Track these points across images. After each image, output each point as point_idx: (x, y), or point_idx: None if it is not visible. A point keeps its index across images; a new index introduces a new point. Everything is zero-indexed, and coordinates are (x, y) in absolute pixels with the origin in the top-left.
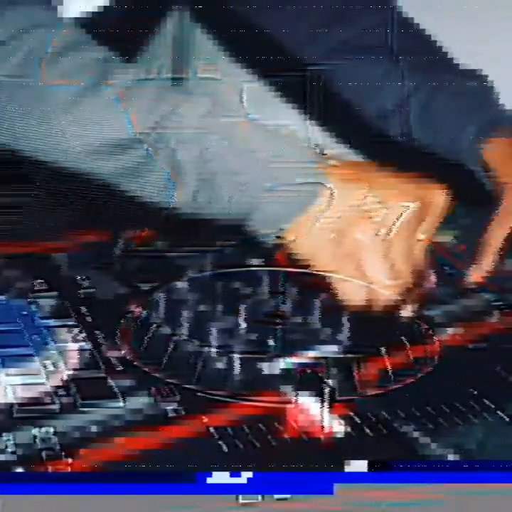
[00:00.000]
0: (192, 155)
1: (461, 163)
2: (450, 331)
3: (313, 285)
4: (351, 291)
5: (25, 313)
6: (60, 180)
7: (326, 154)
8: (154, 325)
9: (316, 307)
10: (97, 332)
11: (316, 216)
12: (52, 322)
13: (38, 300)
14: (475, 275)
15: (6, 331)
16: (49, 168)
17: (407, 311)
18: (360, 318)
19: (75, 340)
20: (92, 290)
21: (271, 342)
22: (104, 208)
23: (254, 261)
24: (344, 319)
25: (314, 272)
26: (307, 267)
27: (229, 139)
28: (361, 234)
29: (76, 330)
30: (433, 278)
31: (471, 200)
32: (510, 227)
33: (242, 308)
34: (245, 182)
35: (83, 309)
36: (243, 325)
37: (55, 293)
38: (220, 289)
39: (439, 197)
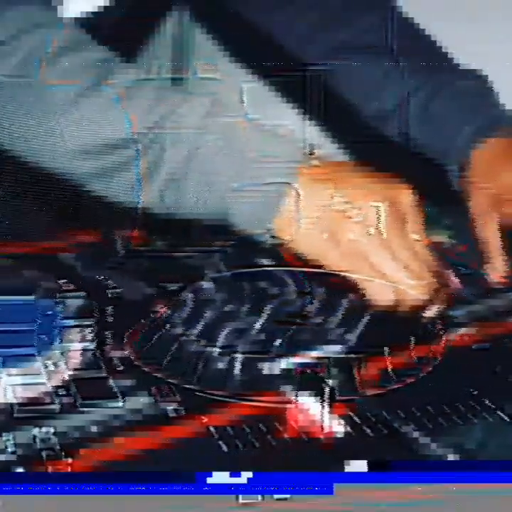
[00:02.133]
0: (180, 155)
1: (440, 162)
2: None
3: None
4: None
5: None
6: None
7: (312, 154)
8: (154, 324)
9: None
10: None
11: (292, 216)
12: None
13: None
14: (495, 275)
15: (7, 330)
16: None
17: (430, 311)
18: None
19: (76, 340)
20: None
21: (275, 342)
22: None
23: (254, 261)
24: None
25: (315, 272)
26: (307, 266)
27: (223, 140)
28: (353, 234)
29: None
30: (455, 278)
31: (439, 199)
32: (496, 224)
33: (243, 308)
34: (214, 182)
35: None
36: (243, 325)
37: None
38: (221, 289)
39: (406, 197)
